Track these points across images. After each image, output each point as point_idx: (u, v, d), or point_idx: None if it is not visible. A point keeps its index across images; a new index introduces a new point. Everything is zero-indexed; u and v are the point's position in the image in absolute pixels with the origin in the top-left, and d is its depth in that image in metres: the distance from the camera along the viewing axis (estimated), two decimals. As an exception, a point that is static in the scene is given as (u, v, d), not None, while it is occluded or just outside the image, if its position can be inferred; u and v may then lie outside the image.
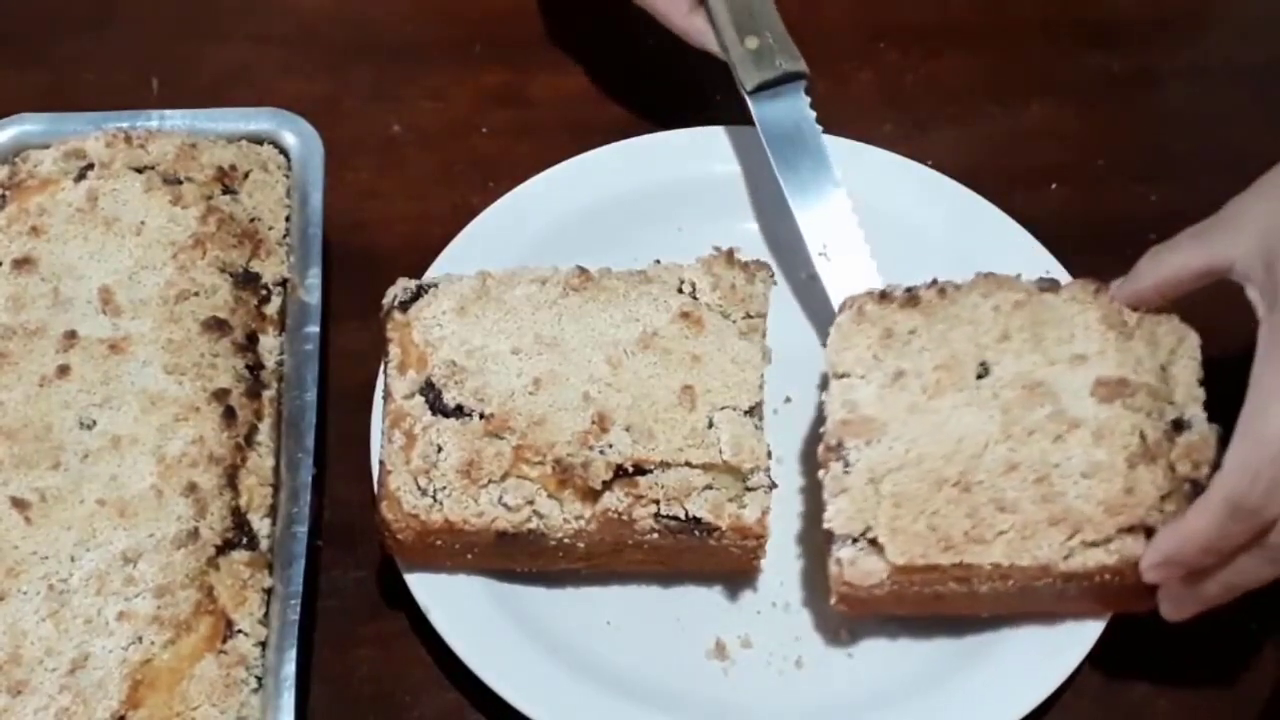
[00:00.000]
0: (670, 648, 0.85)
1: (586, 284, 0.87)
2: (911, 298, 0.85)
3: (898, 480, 0.80)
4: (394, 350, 0.85)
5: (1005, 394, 0.81)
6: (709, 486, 0.81)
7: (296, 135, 0.95)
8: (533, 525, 0.81)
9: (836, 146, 1.01)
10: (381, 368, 0.87)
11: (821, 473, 0.82)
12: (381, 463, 0.83)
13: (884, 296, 0.86)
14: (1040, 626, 0.83)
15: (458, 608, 0.83)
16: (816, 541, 0.83)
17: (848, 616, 0.84)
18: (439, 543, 0.81)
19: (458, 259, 0.93)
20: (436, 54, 1.11)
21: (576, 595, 0.86)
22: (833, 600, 0.82)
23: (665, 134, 1.01)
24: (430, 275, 0.91)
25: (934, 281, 0.86)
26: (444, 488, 0.81)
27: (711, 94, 1.06)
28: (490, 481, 0.81)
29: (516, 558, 0.83)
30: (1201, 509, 0.74)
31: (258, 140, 0.95)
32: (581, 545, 0.82)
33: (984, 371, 0.83)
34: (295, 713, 0.76)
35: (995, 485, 0.79)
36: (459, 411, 0.82)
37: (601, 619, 0.86)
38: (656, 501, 0.81)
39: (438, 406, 0.83)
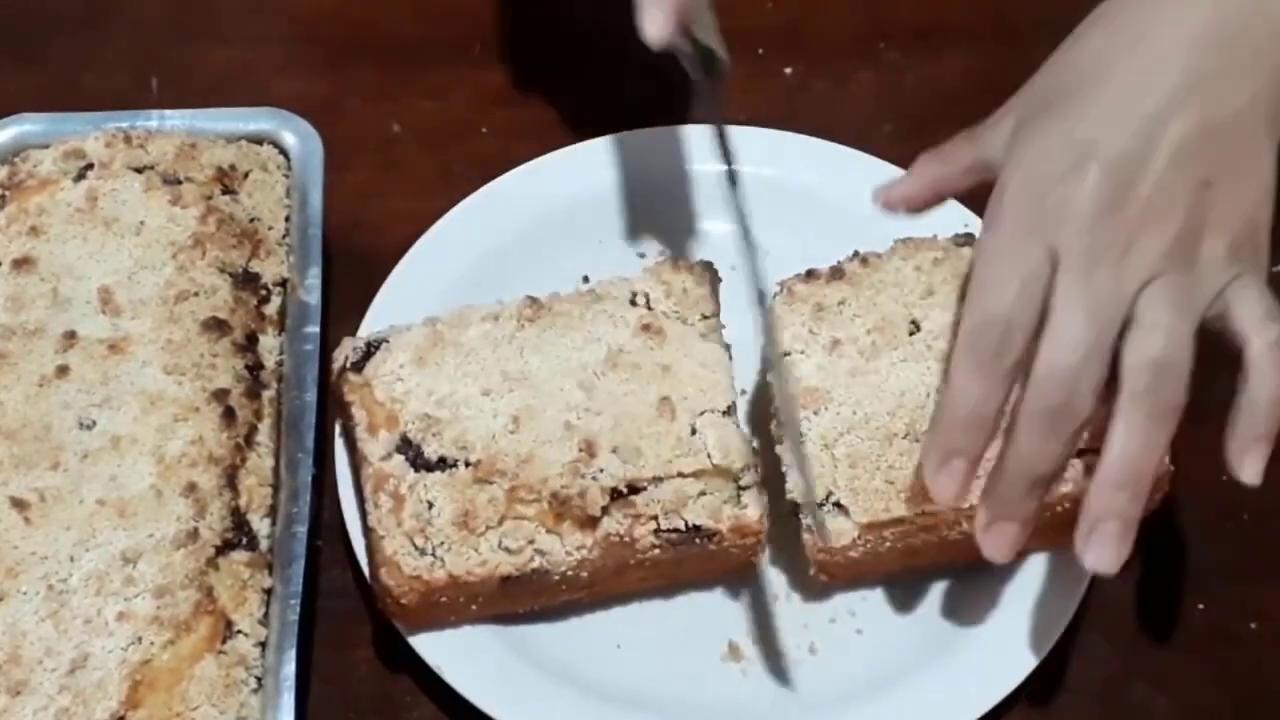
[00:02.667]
0: (685, 658, 0.85)
1: (540, 313, 0.86)
2: (836, 271, 0.87)
3: (850, 442, 0.82)
4: (359, 413, 0.84)
5: (938, 345, 0.83)
6: (703, 493, 0.81)
7: (296, 135, 0.95)
8: (536, 564, 0.80)
9: (831, 154, 1.00)
10: (337, 431, 0.87)
11: (778, 448, 0.84)
12: (371, 529, 0.81)
13: (810, 275, 0.88)
14: (1040, 583, 0.84)
15: (470, 661, 0.82)
16: (797, 525, 0.84)
17: (830, 583, 0.85)
18: (443, 599, 0.80)
19: (383, 314, 0.91)
20: (436, 54, 1.11)
21: (582, 625, 0.86)
22: (812, 570, 0.83)
23: (564, 151, 1.00)
24: (365, 332, 0.89)
25: (855, 253, 0.88)
26: (442, 543, 0.79)
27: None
28: (488, 528, 0.80)
29: (520, 599, 0.83)
30: (950, 383, 0.76)
31: (257, 140, 0.95)
32: (585, 574, 0.82)
33: (915, 328, 0.84)
34: (295, 713, 0.76)
35: None
36: (443, 464, 0.81)
37: (611, 644, 0.85)
38: (655, 517, 0.80)
39: (420, 462, 0.81)
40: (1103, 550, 0.74)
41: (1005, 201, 0.76)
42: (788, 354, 0.85)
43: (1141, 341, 0.73)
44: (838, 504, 0.81)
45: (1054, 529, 0.81)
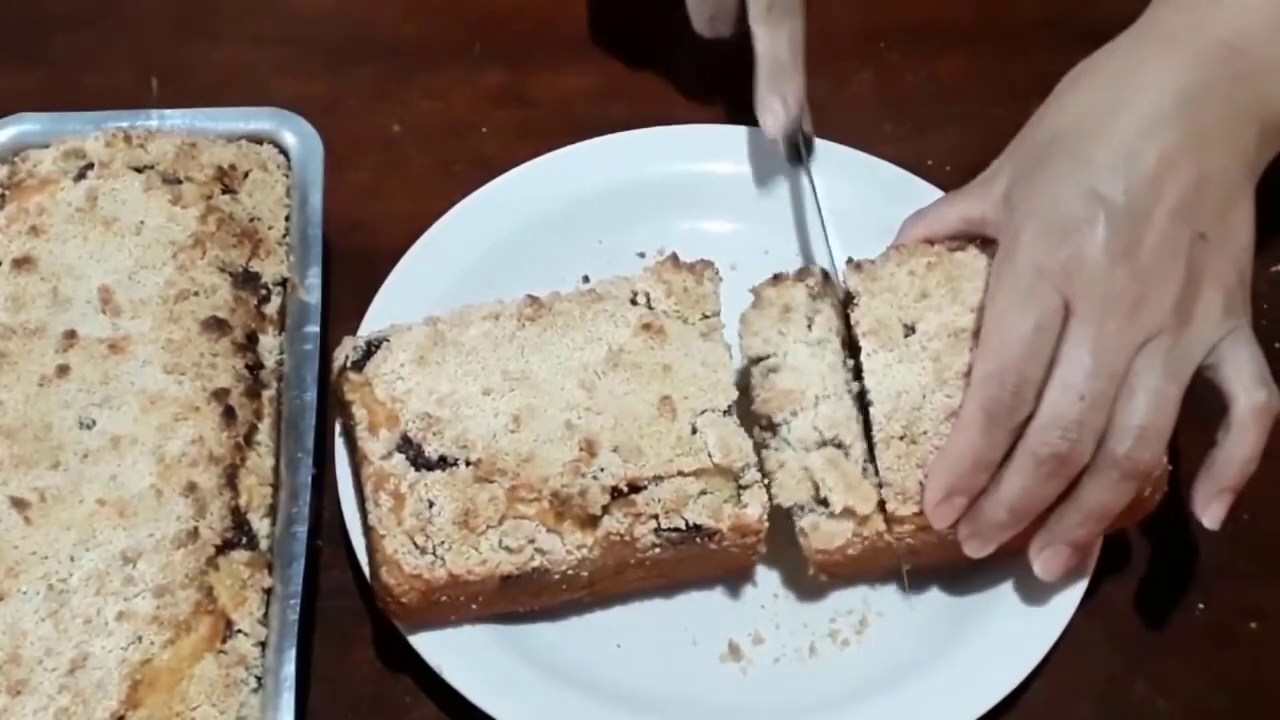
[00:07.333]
0: (685, 658, 0.85)
1: (540, 313, 0.86)
2: (805, 271, 0.88)
3: (841, 442, 0.82)
4: (359, 412, 0.84)
5: (933, 345, 0.83)
6: (703, 492, 0.81)
7: (296, 135, 0.95)
8: (536, 563, 0.80)
9: (831, 154, 1.00)
10: (337, 431, 0.87)
11: (765, 451, 0.84)
12: (371, 529, 0.81)
13: (777, 279, 0.88)
14: (1040, 583, 0.83)
15: (470, 661, 0.82)
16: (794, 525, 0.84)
17: (831, 582, 0.85)
18: (443, 599, 0.80)
19: (383, 314, 0.91)
20: (436, 54, 1.11)
21: (582, 625, 0.86)
22: (811, 571, 0.83)
23: (564, 151, 1.00)
24: (365, 331, 0.89)
25: (850, 259, 0.88)
26: (442, 542, 0.79)
27: (711, 93, 1.07)
28: (489, 527, 0.80)
29: (520, 599, 0.83)
30: (961, 427, 0.79)
31: (258, 140, 0.95)
32: (585, 574, 0.82)
33: (910, 331, 0.84)
34: (295, 713, 0.76)
35: (939, 433, 0.81)
36: (444, 463, 0.81)
37: (611, 644, 0.85)
38: (655, 516, 0.80)
39: (420, 461, 0.81)
40: (1052, 564, 0.81)
41: (1020, 248, 0.79)
42: (760, 359, 0.85)
43: (1132, 402, 0.77)
44: (828, 503, 0.81)
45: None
